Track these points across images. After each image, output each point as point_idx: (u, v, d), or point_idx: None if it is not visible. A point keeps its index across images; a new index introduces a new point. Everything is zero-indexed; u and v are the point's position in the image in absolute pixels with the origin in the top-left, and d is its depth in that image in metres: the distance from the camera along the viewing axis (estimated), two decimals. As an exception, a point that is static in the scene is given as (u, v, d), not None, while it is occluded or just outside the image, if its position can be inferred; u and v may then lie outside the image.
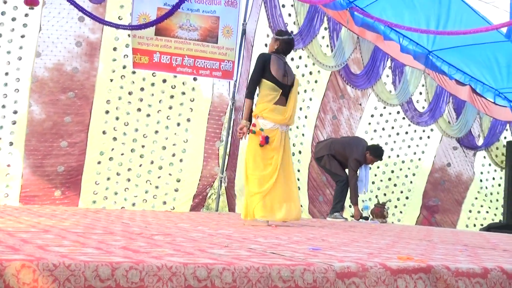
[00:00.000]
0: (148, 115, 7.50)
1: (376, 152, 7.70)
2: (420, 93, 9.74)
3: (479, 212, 10.27)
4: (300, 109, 8.66)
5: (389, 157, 9.64)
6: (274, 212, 4.95)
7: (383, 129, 9.43)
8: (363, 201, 8.95)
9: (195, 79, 7.68)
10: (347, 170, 7.59)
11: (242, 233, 3.69)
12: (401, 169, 9.75)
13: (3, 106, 6.92)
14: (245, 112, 5.08)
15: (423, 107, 9.73)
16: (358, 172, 7.59)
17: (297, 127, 8.66)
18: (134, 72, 7.40)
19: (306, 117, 8.74)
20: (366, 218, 7.65)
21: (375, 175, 9.51)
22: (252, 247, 2.59)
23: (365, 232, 4.78)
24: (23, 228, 3.14)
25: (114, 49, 7.37)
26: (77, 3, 6.68)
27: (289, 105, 5.12)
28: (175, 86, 7.61)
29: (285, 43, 5.23)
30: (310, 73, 8.69)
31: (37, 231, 2.93)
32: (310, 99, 8.75)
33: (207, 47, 7.49)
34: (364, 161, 7.59)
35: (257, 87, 5.15)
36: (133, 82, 7.45)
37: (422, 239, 4.31)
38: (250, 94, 5.12)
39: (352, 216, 7.80)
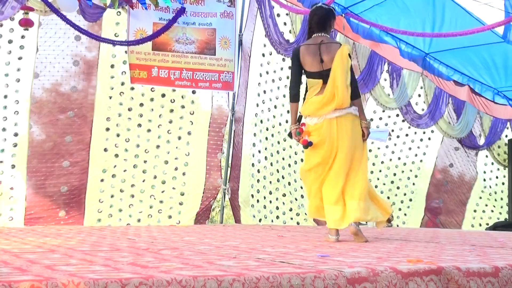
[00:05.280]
0: (149, 130, 7.50)
1: None
2: (419, 95, 9.74)
3: (484, 211, 10.24)
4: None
5: (391, 160, 9.63)
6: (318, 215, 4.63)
7: (384, 132, 9.39)
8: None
9: (193, 92, 7.69)
10: None
11: (249, 243, 3.67)
12: (403, 172, 9.73)
13: (4, 129, 6.93)
14: (292, 117, 4.54)
15: (423, 109, 9.72)
16: None
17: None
18: (132, 88, 7.41)
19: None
20: None
21: (378, 179, 9.50)
22: (261, 257, 2.58)
23: (371, 237, 4.76)
24: (29, 249, 3.12)
25: (112, 66, 7.37)
26: (73, 22, 6.69)
27: (327, 88, 4.31)
28: (174, 100, 7.61)
29: (310, 16, 4.48)
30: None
31: (43, 251, 2.92)
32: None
33: (205, 59, 7.50)
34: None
35: (300, 85, 4.55)
36: (132, 98, 7.45)
37: (429, 241, 4.29)
38: (292, 98, 4.53)
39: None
